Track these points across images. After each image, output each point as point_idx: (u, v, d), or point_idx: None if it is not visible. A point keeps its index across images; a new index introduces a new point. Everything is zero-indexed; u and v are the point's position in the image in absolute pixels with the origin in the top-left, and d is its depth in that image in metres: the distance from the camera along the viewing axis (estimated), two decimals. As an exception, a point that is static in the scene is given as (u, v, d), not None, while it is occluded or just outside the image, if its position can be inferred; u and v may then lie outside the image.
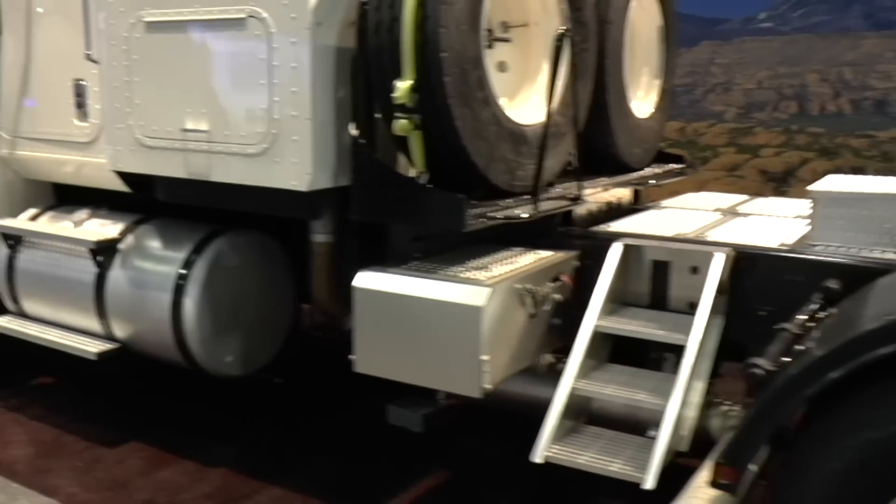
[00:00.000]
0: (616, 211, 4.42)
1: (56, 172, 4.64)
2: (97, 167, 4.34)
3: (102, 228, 4.38)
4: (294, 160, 3.35)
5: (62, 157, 4.50)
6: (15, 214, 4.90)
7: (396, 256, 3.70)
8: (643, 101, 4.96)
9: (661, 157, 5.19)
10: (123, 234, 4.27)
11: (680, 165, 5.30)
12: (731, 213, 4.39)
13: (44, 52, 4.48)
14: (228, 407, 4.81)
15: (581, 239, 3.79)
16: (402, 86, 3.15)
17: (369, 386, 3.55)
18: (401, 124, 3.20)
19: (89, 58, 4.02)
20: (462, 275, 3.29)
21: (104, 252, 4.19)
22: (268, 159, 3.41)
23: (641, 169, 4.86)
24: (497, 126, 3.45)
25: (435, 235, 3.80)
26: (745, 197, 5.02)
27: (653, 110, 5.02)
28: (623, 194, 4.64)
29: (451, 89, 3.18)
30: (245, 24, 3.38)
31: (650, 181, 4.78)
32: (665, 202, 4.75)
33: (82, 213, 4.52)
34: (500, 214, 3.39)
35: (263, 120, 3.39)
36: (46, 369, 5.32)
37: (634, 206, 4.63)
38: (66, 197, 4.97)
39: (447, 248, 3.76)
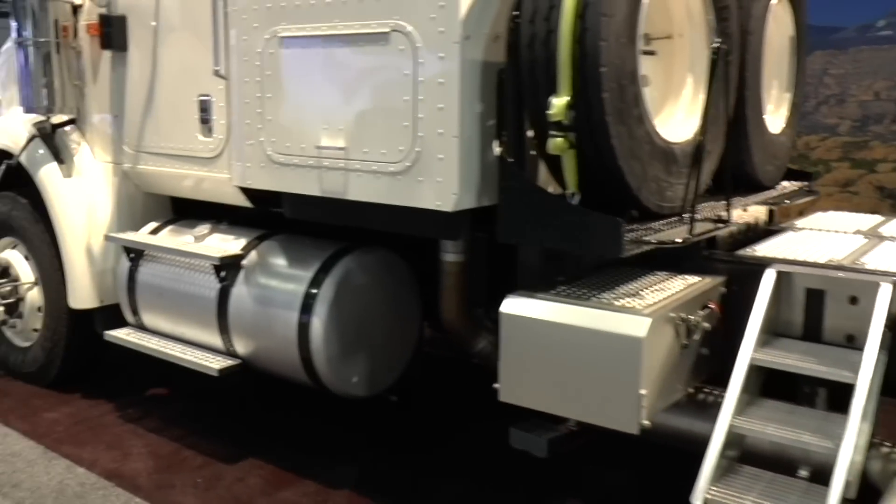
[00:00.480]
0: (754, 232, 4.21)
1: (177, 187, 4.62)
2: (219, 182, 4.30)
3: (225, 244, 4.33)
4: (439, 179, 3.24)
5: (184, 172, 4.47)
6: (135, 227, 4.91)
7: (536, 279, 3.58)
8: (775, 115, 4.74)
9: (788, 175, 4.96)
10: (247, 249, 4.22)
11: (807, 183, 5.08)
12: (875, 235, 4.13)
13: (169, 68, 4.46)
14: (347, 424, 4.73)
15: (727, 263, 3.60)
16: (559, 102, 3.01)
17: (489, 406, 3.42)
18: (556, 143, 3.05)
19: (217, 74, 3.97)
20: (616, 302, 3.14)
21: (228, 268, 4.14)
22: (410, 178, 3.31)
23: (773, 187, 4.64)
24: (650, 144, 3.28)
25: (570, 257, 3.67)
26: (880, 218, 4.75)
27: (784, 125, 4.80)
28: (760, 214, 4.42)
29: (608, 106, 3.03)
30: (388, 39, 3.28)
31: (786, 200, 4.56)
32: (799, 223, 4.51)
33: (203, 228, 4.48)
34: (653, 238, 3.22)
35: (406, 137, 3.28)
36: (161, 380, 5.32)
37: (770, 228, 4.40)
38: (184, 211, 4.97)
39: (583, 270, 3.62)
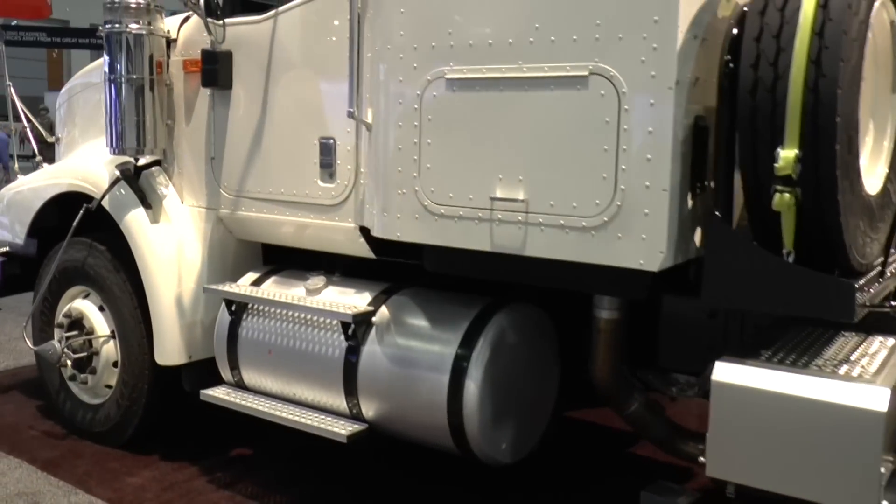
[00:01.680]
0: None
1: (284, 235, 4.30)
2: (339, 231, 4.00)
3: (347, 298, 4.01)
4: (643, 236, 2.97)
5: (296, 220, 4.15)
6: (226, 276, 4.57)
7: (698, 339, 3.33)
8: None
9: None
10: (375, 305, 3.90)
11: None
12: None
13: (282, 108, 4.15)
14: (467, 484, 4.40)
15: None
16: (787, 155, 2.77)
17: (615, 463, 3.15)
18: (782, 199, 2.81)
19: (351, 116, 3.67)
20: (838, 370, 2.90)
21: (358, 325, 3.81)
22: (607, 234, 3.03)
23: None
24: (860, 198, 3.06)
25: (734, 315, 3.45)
26: None
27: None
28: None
29: (839, 159, 2.80)
30: (587, 83, 3.02)
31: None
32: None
33: (317, 280, 4.15)
34: (875, 300, 2.99)
35: (604, 190, 3.02)
36: (240, 440, 4.95)
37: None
38: (274, 259, 4.65)
39: (761, 329, 3.39)
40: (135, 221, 4.55)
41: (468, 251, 3.38)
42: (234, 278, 4.57)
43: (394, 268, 4.08)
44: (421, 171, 3.43)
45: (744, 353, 3.05)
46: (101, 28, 4.50)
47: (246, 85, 4.28)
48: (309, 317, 4.01)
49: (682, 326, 3.69)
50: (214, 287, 4.33)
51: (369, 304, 3.90)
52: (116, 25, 4.42)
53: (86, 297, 4.96)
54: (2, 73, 5.37)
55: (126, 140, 4.49)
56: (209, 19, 4.16)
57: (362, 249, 3.99)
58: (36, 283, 5.22)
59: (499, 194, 3.23)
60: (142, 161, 4.66)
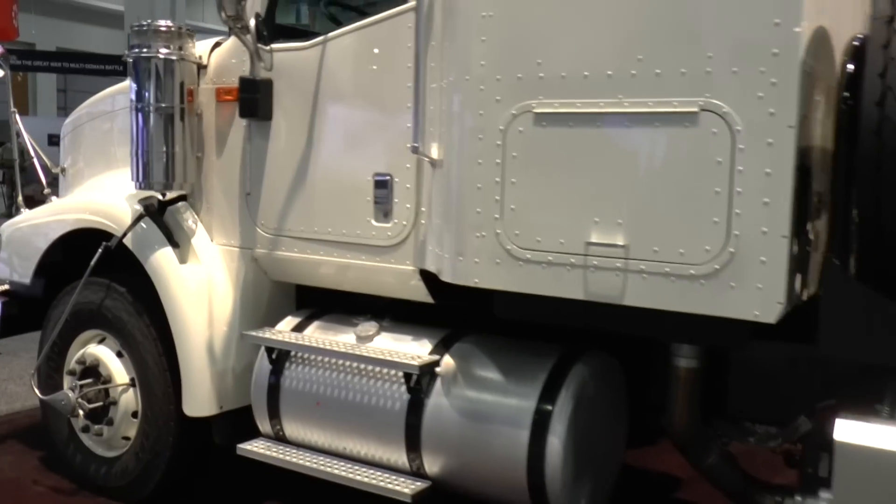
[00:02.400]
0: None
1: (328, 277, 4.01)
2: (394, 274, 3.74)
3: (402, 345, 3.74)
4: (759, 285, 2.77)
5: (345, 261, 3.87)
6: (260, 320, 4.27)
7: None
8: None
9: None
10: (439, 353, 3.64)
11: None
12: None
13: (331, 141, 3.89)
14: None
15: None
16: (919, 199, 2.61)
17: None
18: (912, 245, 2.64)
19: (416, 151, 3.43)
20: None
21: (423, 375, 3.55)
22: (719, 283, 2.82)
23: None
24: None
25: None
26: None
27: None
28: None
29: (974, 204, 2.64)
30: (696, 120, 2.81)
31: None
32: None
33: (368, 326, 3.87)
34: None
35: (716, 235, 2.81)
36: (268, 494, 4.62)
37: None
38: (307, 301, 4.37)
39: (851, 379, 3.22)
40: (162, 261, 4.23)
41: (550, 297, 3.15)
42: (269, 322, 4.27)
43: (443, 312, 3.85)
44: (504, 213, 3.19)
45: (856, 407, 2.86)
46: (126, 53, 4.19)
47: (288, 116, 4.01)
48: (364, 366, 3.73)
49: (758, 373, 3.52)
50: (255, 333, 4.02)
51: (432, 353, 3.64)
52: (145, 50, 4.12)
53: (101, 341, 4.61)
54: (5, 99, 5.02)
55: (153, 174, 4.17)
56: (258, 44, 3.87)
57: (418, 293, 3.74)
58: (44, 327, 4.85)
59: (595, 239, 3.01)
60: (166, 196, 4.36)
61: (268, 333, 4.00)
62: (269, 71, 3.93)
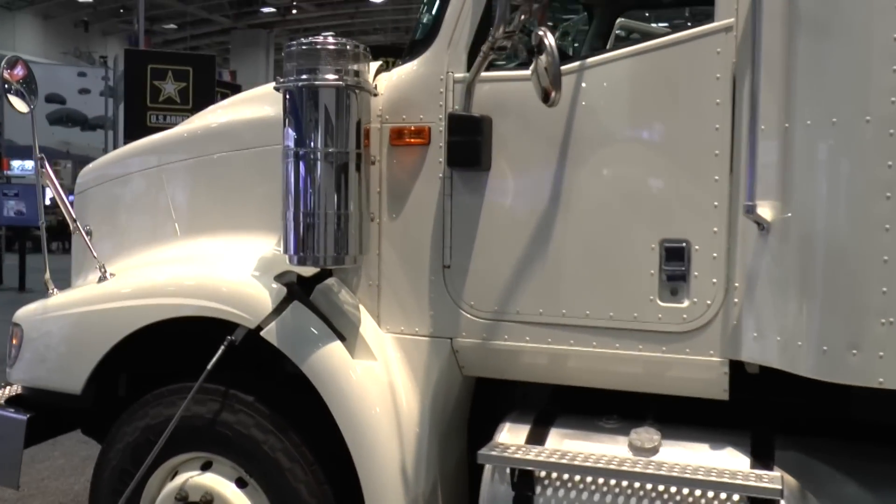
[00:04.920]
0: None
1: (575, 372, 3.10)
2: (686, 367, 2.92)
3: (712, 458, 2.90)
4: None
5: (610, 352, 2.99)
6: (447, 430, 3.28)
7: None
8: None
9: None
10: (763, 467, 2.84)
11: None
12: None
13: (590, 198, 2.99)
14: None
15: None
16: None
17: None
18: None
19: (750, 212, 2.64)
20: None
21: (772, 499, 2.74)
22: None
23: None
24: None
25: None
26: None
27: None
28: None
29: None
30: None
31: None
32: None
33: (650, 434, 3.00)
34: None
35: None
36: None
37: None
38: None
39: None
40: (329, 358, 3.13)
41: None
42: (456, 429, 3.29)
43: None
44: (927, 293, 2.46)
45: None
46: (279, 81, 3.09)
47: (519, 165, 3.07)
48: (675, 490, 2.85)
49: None
50: (497, 454, 3.00)
51: (765, 467, 2.83)
52: (304, 76, 3.04)
53: (205, 467, 3.39)
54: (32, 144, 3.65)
55: (320, 242, 3.08)
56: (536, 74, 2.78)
57: (715, 389, 2.93)
58: (103, 453, 3.54)
59: None
60: (307, 272, 3.27)
61: (516, 452, 3.00)
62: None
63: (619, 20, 4.63)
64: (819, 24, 2.57)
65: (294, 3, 35.29)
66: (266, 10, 36.15)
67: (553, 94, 2.69)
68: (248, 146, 3.52)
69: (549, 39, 2.66)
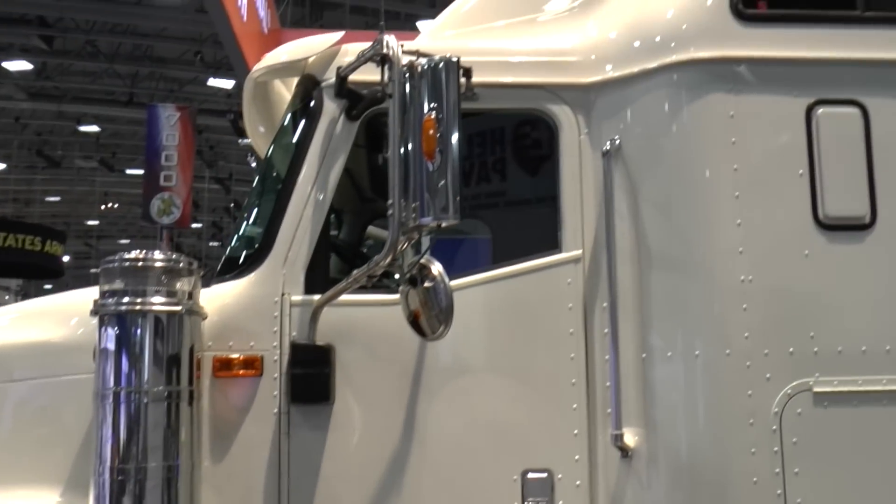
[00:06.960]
0: None
1: None
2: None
3: None
4: None
5: None
6: None
7: None
8: None
9: None
10: None
11: None
12: None
13: (443, 431, 2.81)
14: None
15: None
16: None
17: None
18: None
19: (617, 442, 2.73)
20: None
21: None
22: None
23: None
24: None
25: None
26: None
27: None
28: None
29: None
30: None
31: None
32: None
33: None
34: None
35: None
36: None
37: None
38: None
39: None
40: None
41: None
42: None
43: None
44: (788, 510, 2.68)
45: None
46: (96, 304, 2.52)
47: (364, 396, 2.81)
48: None
49: None
50: None
51: None
52: (128, 300, 2.52)
53: None
54: None
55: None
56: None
57: None
58: None
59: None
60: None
61: None
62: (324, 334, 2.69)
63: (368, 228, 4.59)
64: (672, 262, 2.80)
65: None
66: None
67: (441, 328, 2.55)
68: (18, 378, 2.77)
69: (438, 268, 2.55)
